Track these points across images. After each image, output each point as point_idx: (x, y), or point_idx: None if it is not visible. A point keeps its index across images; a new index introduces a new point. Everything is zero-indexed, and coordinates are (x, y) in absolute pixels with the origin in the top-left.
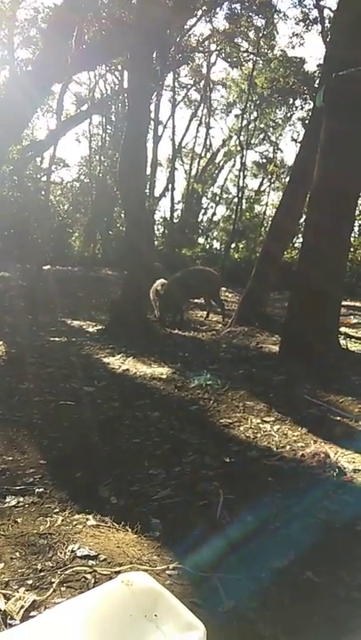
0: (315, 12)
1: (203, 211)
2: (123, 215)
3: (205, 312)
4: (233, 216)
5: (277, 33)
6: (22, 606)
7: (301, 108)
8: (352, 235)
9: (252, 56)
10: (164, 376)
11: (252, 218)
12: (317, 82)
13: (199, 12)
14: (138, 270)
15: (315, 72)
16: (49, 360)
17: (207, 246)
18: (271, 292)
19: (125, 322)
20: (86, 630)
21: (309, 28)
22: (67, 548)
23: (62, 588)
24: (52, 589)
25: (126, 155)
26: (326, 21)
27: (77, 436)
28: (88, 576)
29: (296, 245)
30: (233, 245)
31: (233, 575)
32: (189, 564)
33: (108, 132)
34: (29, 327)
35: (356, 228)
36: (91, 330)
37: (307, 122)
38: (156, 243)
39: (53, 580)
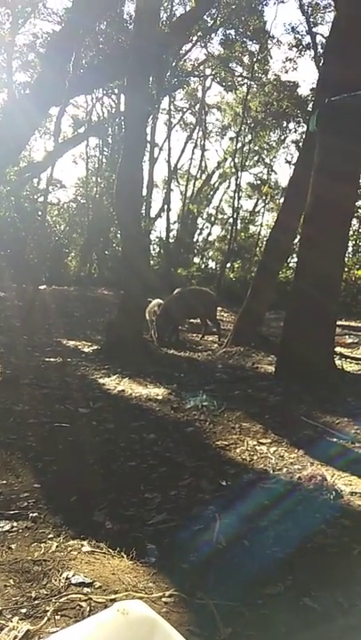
0: (307, 38)
1: (198, 231)
2: (119, 235)
3: (201, 332)
4: (228, 236)
5: (271, 58)
6: (16, 636)
7: (295, 131)
8: (346, 254)
9: (246, 80)
10: (160, 397)
11: (247, 238)
12: (310, 105)
13: (194, 38)
14: (134, 290)
15: (308, 96)
16: (44, 381)
17: (203, 266)
18: (267, 312)
19: (121, 342)
20: None
21: (302, 53)
22: (61, 575)
23: (57, 617)
24: (46, 618)
25: (123, 176)
26: (319, 47)
27: (72, 458)
28: (83, 604)
29: (291, 265)
30: (228, 265)
31: (230, 602)
32: (186, 591)
33: (104, 153)
34: (25, 347)
35: (350, 248)
36: (86, 350)
37: (300, 144)
38: (152, 262)
39: (48, 608)
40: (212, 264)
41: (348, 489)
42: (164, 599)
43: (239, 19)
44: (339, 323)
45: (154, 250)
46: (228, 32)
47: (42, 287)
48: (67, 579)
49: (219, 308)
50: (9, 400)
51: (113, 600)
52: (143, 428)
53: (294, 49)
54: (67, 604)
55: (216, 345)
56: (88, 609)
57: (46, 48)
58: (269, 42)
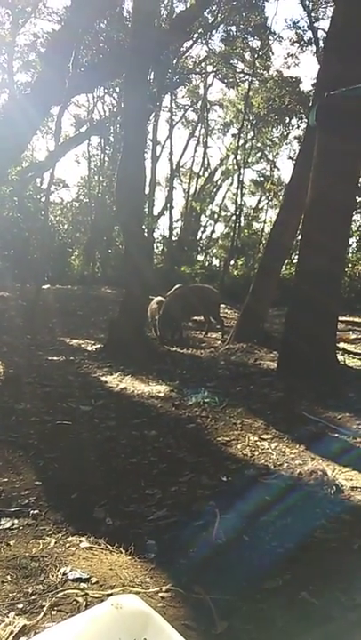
0: (309, 34)
1: (201, 228)
2: (122, 234)
3: (204, 329)
4: (231, 233)
5: (273, 54)
6: (12, 632)
7: (297, 127)
8: (350, 250)
9: (248, 77)
10: (162, 394)
11: (251, 235)
12: (312, 101)
13: (195, 35)
14: (136, 288)
15: (310, 91)
16: (47, 379)
17: (206, 263)
18: (270, 309)
19: (124, 340)
20: None
21: (304, 48)
22: (59, 570)
23: (53, 612)
24: (42, 613)
25: (123, 174)
26: (320, 42)
27: (74, 456)
28: (79, 599)
29: (295, 261)
30: (232, 262)
31: (227, 596)
32: (183, 586)
33: (106, 152)
34: (28, 347)
35: (354, 244)
36: (89, 348)
37: (302, 140)
38: (155, 261)
39: (44, 603)
40: (215, 262)
41: (349, 484)
42: (160, 594)
43: (240, 15)
44: (343, 319)
45: (157, 248)
46: (228, 28)
47: (45, 286)
48: (64, 574)
49: (222, 306)
50: (11, 399)
51: (109, 595)
52: (144, 425)
53: (296, 44)
54: (63, 600)
55: (219, 342)
56: (84, 604)
57: (46, 47)
58: (271, 38)
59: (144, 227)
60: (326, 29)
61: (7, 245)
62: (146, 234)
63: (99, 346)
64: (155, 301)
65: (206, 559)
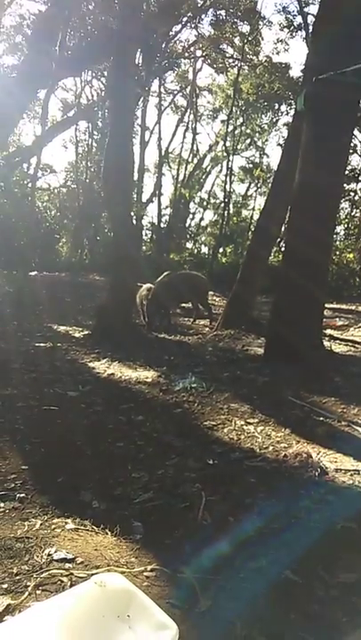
0: (299, 19)
1: (190, 216)
2: (110, 220)
3: (192, 316)
4: (220, 221)
5: (262, 39)
6: None
7: (287, 114)
8: (337, 238)
9: (237, 62)
10: (150, 380)
11: (240, 222)
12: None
13: (184, 19)
14: (124, 275)
15: (299, 77)
16: (33, 365)
17: (195, 251)
18: (259, 296)
19: (112, 326)
20: (58, 632)
21: (294, 34)
22: (44, 551)
23: (38, 592)
24: (27, 593)
25: (111, 159)
26: (310, 27)
27: (60, 440)
28: (64, 579)
29: (283, 249)
30: (221, 250)
31: (211, 576)
32: (168, 565)
33: (94, 137)
34: (15, 333)
35: (341, 232)
36: (77, 335)
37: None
38: (144, 248)
39: (29, 583)
40: (204, 249)
41: (333, 466)
42: (145, 573)
43: None
44: (330, 305)
45: (146, 235)
46: (218, 12)
47: (32, 273)
48: (49, 555)
49: (210, 293)
50: None
51: (94, 575)
52: (132, 410)
53: (285, 30)
54: (48, 579)
55: (207, 329)
56: (69, 584)
57: (32, 29)
58: (260, 22)
59: (132, 213)
60: (315, 14)
61: None
62: (134, 221)
63: (86, 332)
64: (144, 288)
65: (191, 540)
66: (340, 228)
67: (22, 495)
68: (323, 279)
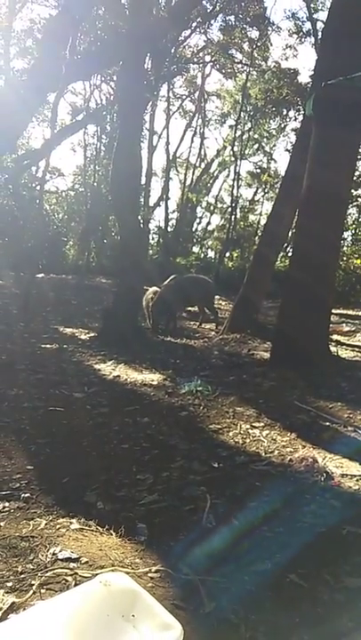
0: (308, 25)
1: (197, 220)
2: (117, 224)
3: (199, 320)
4: (227, 225)
5: (271, 45)
6: (0, 608)
7: (295, 119)
8: (345, 243)
9: (246, 67)
10: (155, 382)
11: (247, 227)
12: (309, 91)
13: (194, 24)
14: (131, 278)
15: (308, 83)
16: (39, 367)
17: (202, 255)
18: (265, 301)
19: (118, 329)
20: (63, 631)
21: (302, 40)
22: (48, 550)
23: (42, 590)
24: (31, 591)
25: (119, 163)
26: (319, 33)
27: (66, 441)
28: (69, 578)
29: (290, 254)
30: (227, 254)
31: (216, 578)
32: (172, 567)
33: (102, 141)
34: (21, 334)
35: (348, 237)
36: (83, 337)
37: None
38: (151, 252)
39: (33, 582)
40: (211, 253)
41: (339, 471)
42: (150, 574)
43: (239, 4)
44: (337, 311)
45: (153, 239)
46: (227, 18)
47: (39, 275)
48: (53, 554)
49: (217, 297)
50: (4, 385)
51: (99, 574)
52: (137, 412)
53: (294, 35)
54: (52, 579)
55: (213, 332)
56: (73, 583)
57: (43, 33)
58: (269, 28)
59: (140, 217)
60: (325, 20)
61: (1, 233)
62: (141, 224)
63: (93, 335)
64: (150, 291)
65: (196, 542)
66: (347, 234)
67: (27, 495)
68: (331, 283)
